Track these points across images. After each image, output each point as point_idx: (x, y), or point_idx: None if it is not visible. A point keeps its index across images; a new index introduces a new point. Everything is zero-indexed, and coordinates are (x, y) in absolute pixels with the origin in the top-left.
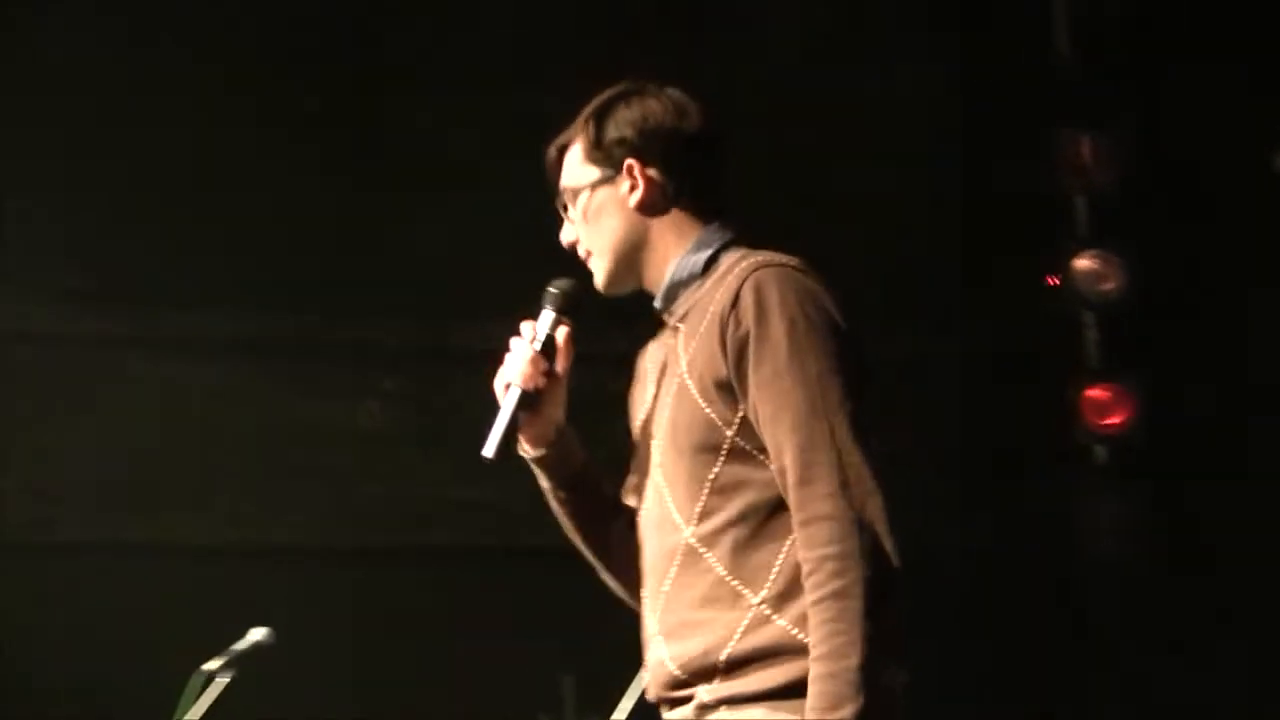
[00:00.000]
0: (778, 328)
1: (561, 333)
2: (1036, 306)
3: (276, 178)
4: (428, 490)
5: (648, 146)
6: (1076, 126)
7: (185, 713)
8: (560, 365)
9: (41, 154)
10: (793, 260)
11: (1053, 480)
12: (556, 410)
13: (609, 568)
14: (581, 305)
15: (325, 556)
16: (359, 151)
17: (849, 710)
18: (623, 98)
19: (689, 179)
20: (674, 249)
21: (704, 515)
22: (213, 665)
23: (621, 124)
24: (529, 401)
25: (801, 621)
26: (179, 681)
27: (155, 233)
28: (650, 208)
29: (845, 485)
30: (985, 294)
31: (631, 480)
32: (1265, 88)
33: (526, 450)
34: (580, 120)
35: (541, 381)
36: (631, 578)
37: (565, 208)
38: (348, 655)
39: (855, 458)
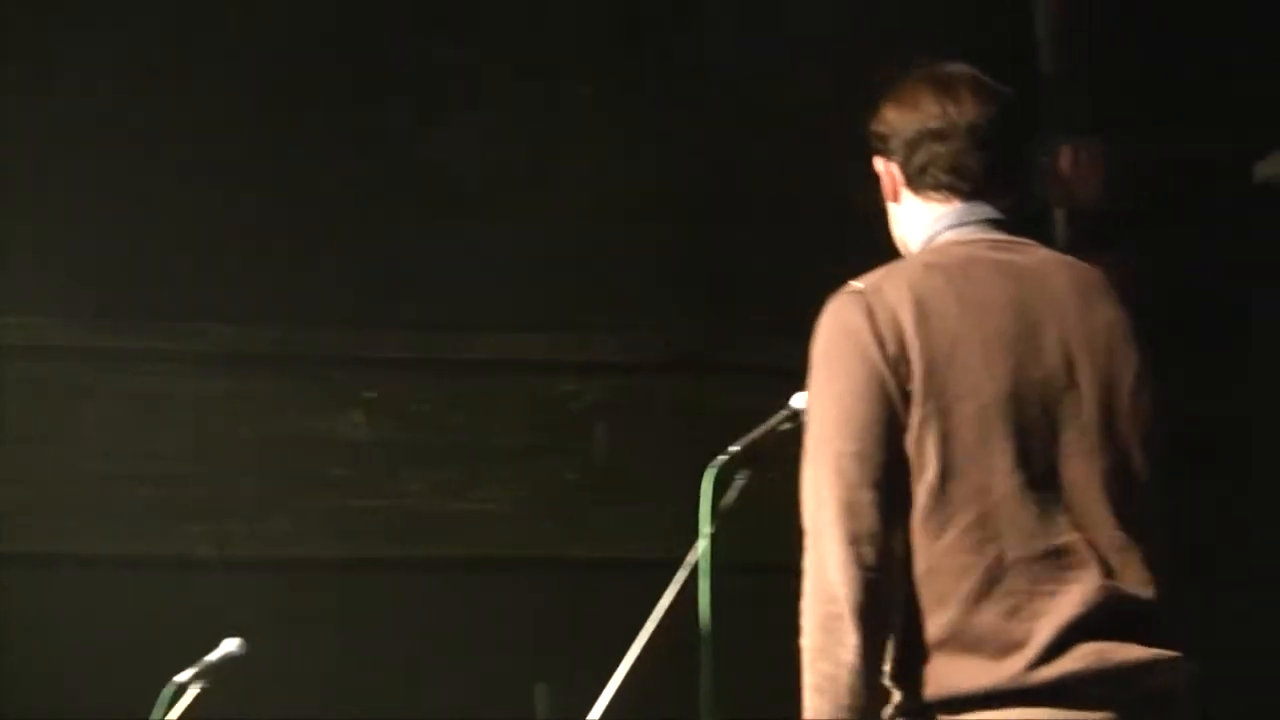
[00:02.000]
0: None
1: None
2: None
3: (258, 190)
4: (410, 501)
5: (890, 143)
6: (1056, 138)
7: None
8: None
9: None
10: (861, 283)
11: None
12: None
13: None
14: None
15: (308, 568)
16: (341, 163)
17: None
18: (894, 91)
19: (919, 165)
20: (911, 238)
21: None
22: (184, 677)
23: (878, 119)
24: None
25: None
26: (159, 694)
27: (136, 246)
28: (893, 195)
29: (816, 536)
30: None
31: None
32: (1247, 99)
33: None
34: None
35: None
36: None
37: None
38: (327, 665)
39: (826, 509)
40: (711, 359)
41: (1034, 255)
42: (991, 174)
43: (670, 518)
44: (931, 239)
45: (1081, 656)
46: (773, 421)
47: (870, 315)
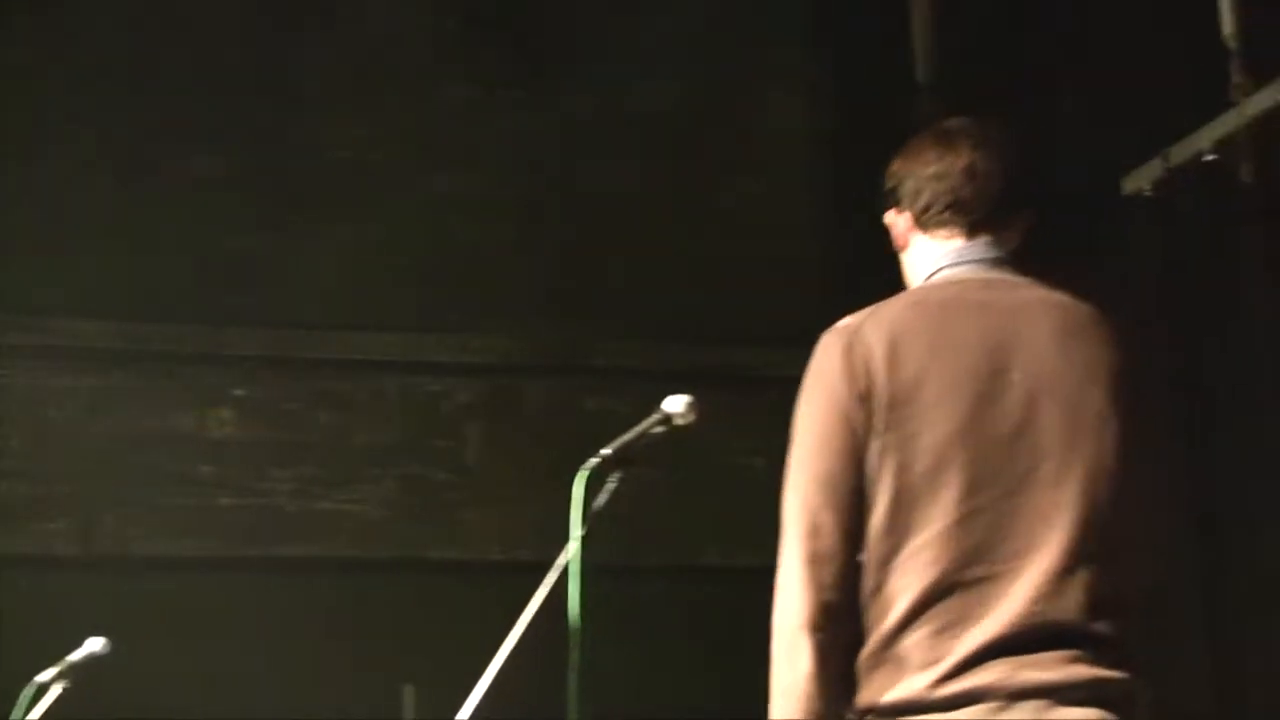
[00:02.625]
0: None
1: None
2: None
3: (120, 181)
4: (278, 500)
5: (899, 192)
6: None
7: None
8: None
9: None
10: (851, 319)
11: None
12: None
13: None
14: None
15: (173, 567)
16: (209, 157)
17: None
18: (905, 148)
19: (923, 209)
20: (913, 277)
21: None
22: (45, 676)
23: (890, 174)
24: None
25: None
26: (20, 694)
27: (13, 244)
28: (901, 241)
29: (783, 557)
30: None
31: None
32: (1118, 111)
33: None
34: None
35: None
36: None
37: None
38: (192, 665)
39: (792, 529)
40: (580, 361)
41: (1020, 295)
42: (990, 208)
43: (541, 519)
44: (931, 274)
45: (989, 673)
46: (645, 425)
47: (847, 354)
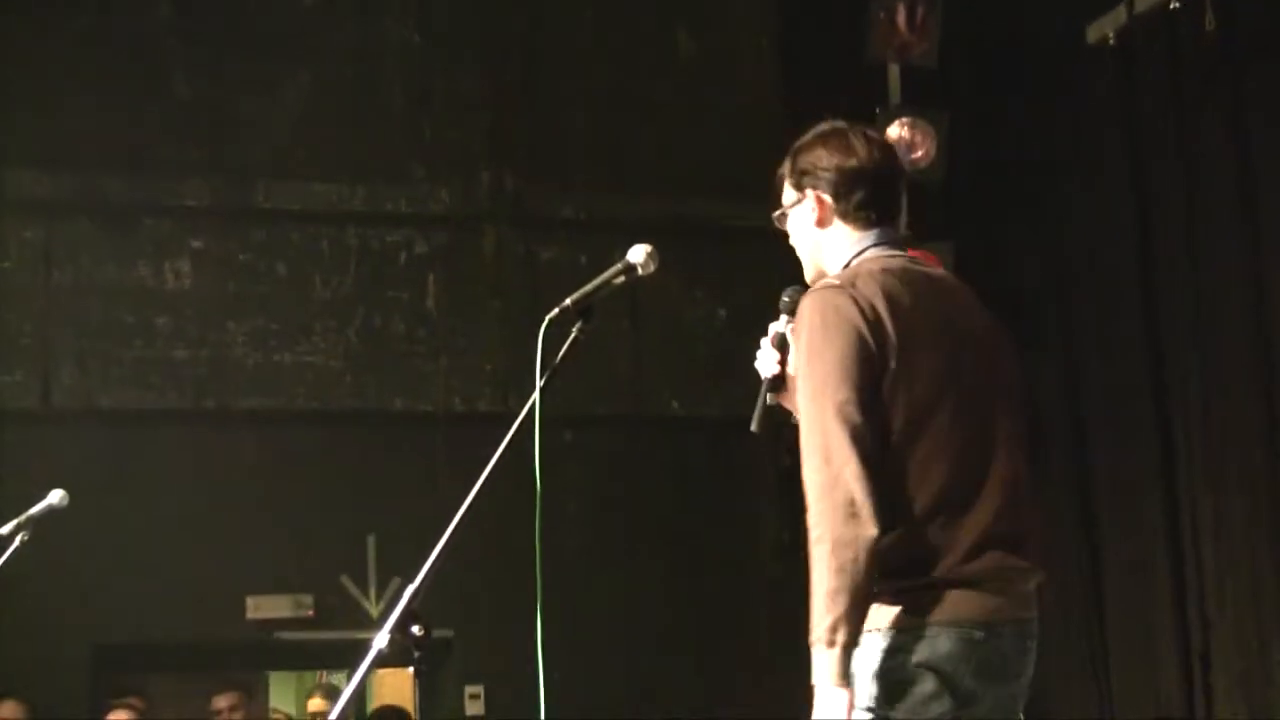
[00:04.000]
0: (802, 338)
1: (790, 329)
2: None
3: (90, 39)
4: (236, 353)
5: (823, 175)
6: None
7: None
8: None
9: None
10: (836, 280)
11: None
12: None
13: None
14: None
15: (130, 420)
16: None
17: (820, 643)
18: (814, 139)
19: (853, 199)
20: (838, 255)
21: None
22: (5, 529)
23: (806, 160)
24: (775, 384)
25: None
26: None
27: None
28: (822, 222)
29: (828, 459)
30: None
31: None
32: None
33: (794, 419)
34: (790, 154)
35: (778, 370)
36: None
37: (777, 219)
38: (152, 519)
39: (837, 438)
40: (540, 212)
41: (937, 269)
42: (895, 205)
43: (500, 371)
44: (857, 255)
45: (989, 559)
46: (608, 274)
47: (855, 301)
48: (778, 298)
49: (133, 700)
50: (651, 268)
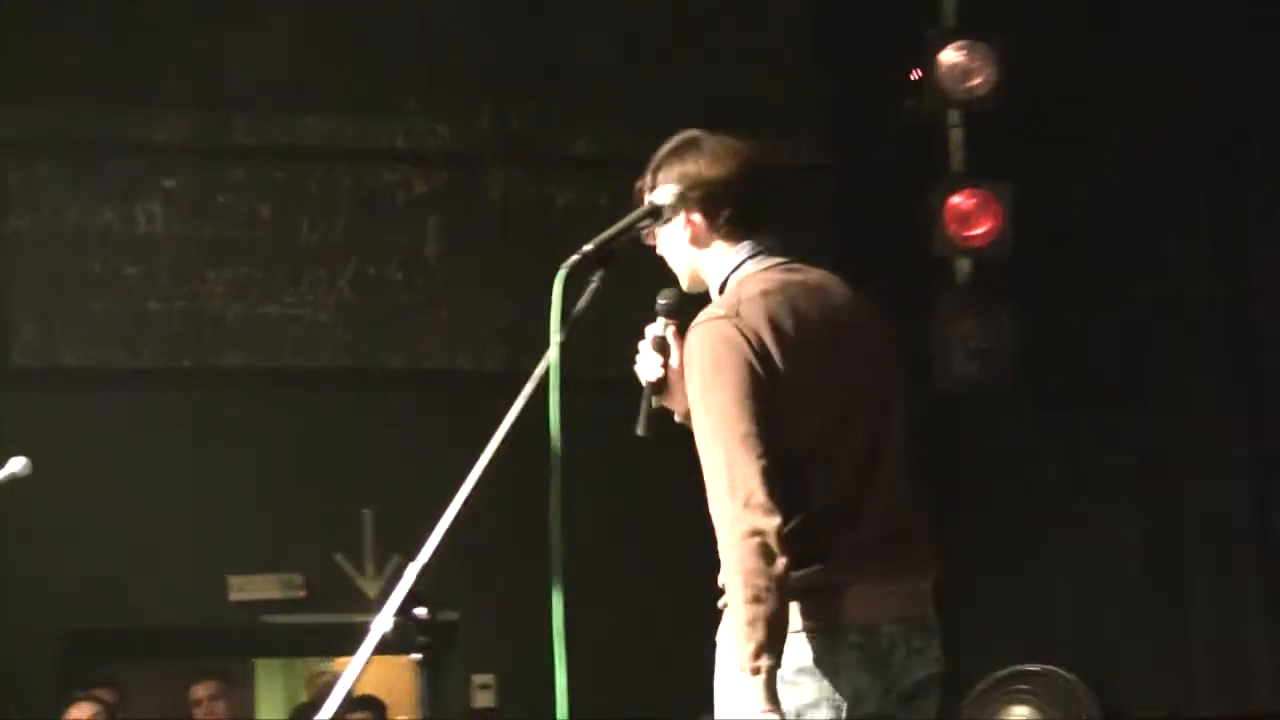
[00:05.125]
0: (695, 373)
1: (669, 331)
2: (896, 104)
3: None
4: (215, 304)
5: (691, 195)
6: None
7: None
8: (675, 357)
9: None
10: (720, 310)
11: (909, 298)
12: (684, 386)
13: None
14: (683, 308)
15: (97, 379)
16: None
17: (745, 671)
18: (674, 151)
19: (723, 215)
20: (716, 272)
21: None
22: None
23: (672, 175)
24: (658, 388)
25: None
26: None
27: None
28: (696, 241)
29: (733, 492)
30: (840, 91)
31: None
32: None
33: (679, 418)
34: (648, 167)
35: (661, 373)
36: None
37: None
38: (118, 486)
39: (740, 470)
40: (551, 149)
41: (813, 274)
42: (764, 211)
43: (510, 324)
44: (736, 269)
45: (881, 561)
46: (632, 218)
47: (741, 332)
48: (803, 239)
49: (99, 692)
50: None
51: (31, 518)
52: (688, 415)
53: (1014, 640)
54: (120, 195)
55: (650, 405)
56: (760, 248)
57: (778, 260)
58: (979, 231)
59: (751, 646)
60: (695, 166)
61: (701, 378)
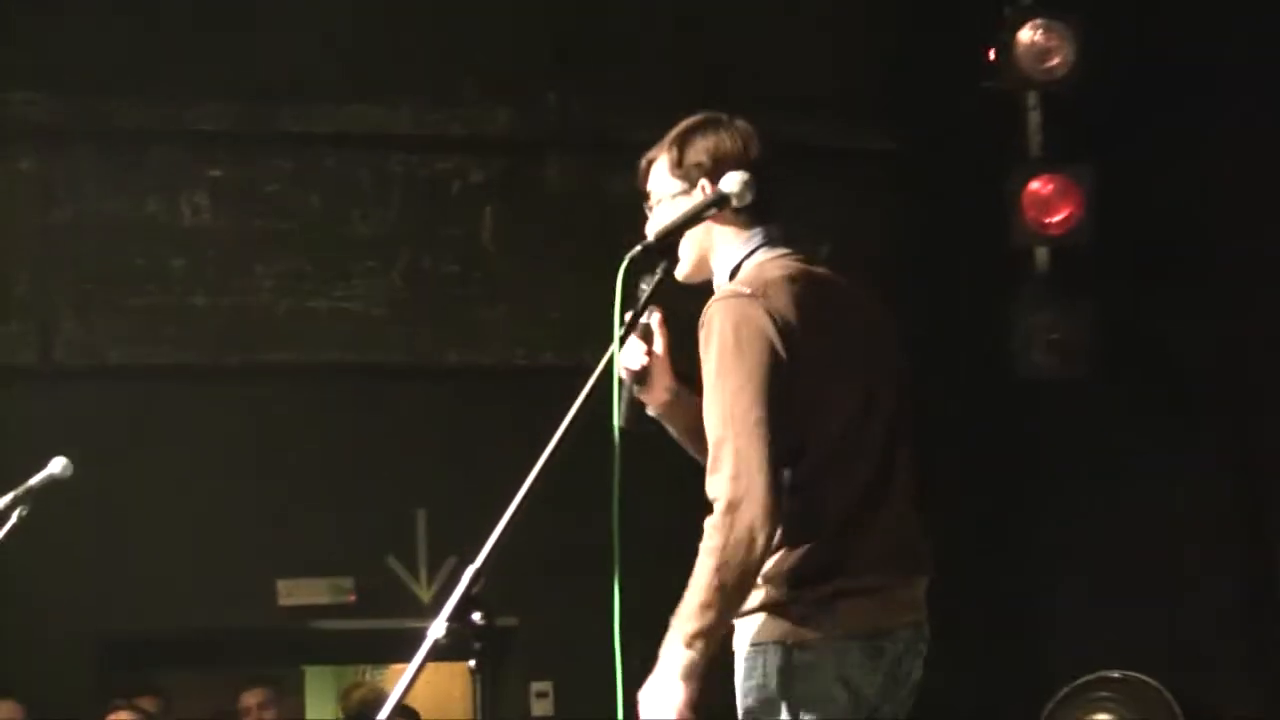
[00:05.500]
0: (713, 348)
1: (655, 319)
2: (972, 85)
3: None
4: (263, 299)
5: (716, 170)
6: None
7: None
8: (660, 345)
9: None
10: (747, 288)
11: (987, 287)
12: (665, 378)
13: None
14: (669, 293)
15: (143, 377)
16: None
17: (679, 642)
18: (701, 127)
19: (749, 198)
20: (729, 256)
21: None
22: (1, 503)
23: (699, 150)
24: (641, 378)
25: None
26: None
27: None
28: (714, 217)
29: (736, 478)
30: (915, 73)
31: None
32: None
33: (652, 411)
34: (666, 141)
35: (645, 361)
36: None
37: (651, 208)
38: (169, 485)
39: (747, 459)
40: (609, 136)
41: (823, 267)
42: (776, 200)
43: (568, 317)
44: (748, 255)
45: (892, 566)
46: (697, 206)
47: (769, 313)
48: (871, 225)
49: (142, 700)
50: (749, 198)
51: (73, 520)
52: (664, 408)
53: (1095, 643)
54: (164, 186)
55: (632, 395)
56: (769, 237)
57: (787, 250)
58: (1058, 219)
59: (694, 626)
60: (719, 142)
61: (720, 356)
